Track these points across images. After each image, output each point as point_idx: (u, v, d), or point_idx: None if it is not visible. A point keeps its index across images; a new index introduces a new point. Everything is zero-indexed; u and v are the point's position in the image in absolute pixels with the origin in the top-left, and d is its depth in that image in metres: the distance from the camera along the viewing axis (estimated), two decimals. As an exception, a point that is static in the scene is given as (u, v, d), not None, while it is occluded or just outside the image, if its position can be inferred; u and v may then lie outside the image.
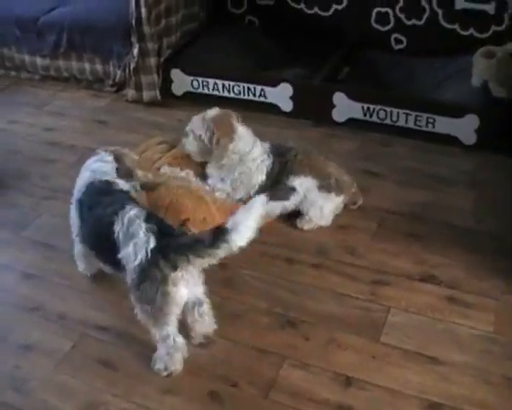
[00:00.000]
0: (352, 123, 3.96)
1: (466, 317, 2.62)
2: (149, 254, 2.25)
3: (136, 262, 2.28)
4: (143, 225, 2.33)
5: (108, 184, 2.66)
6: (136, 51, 4.27)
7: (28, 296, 2.87)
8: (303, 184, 3.08)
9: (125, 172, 2.80)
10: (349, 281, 2.84)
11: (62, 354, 2.58)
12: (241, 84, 4.20)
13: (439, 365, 2.43)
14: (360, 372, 2.41)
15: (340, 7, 4.55)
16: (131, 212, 2.40)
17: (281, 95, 4.11)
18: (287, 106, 4.12)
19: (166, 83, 4.45)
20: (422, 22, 4.32)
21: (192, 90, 4.40)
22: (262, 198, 2.22)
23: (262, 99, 4.18)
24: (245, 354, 2.53)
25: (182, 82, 4.41)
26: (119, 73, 4.53)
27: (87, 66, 4.67)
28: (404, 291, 2.76)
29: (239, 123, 3.14)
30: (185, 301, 2.40)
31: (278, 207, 3.13)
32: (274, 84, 4.11)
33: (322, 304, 2.73)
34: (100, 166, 2.75)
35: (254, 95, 4.19)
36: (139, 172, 2.87)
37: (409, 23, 4.37)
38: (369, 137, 3.89)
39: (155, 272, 2.25)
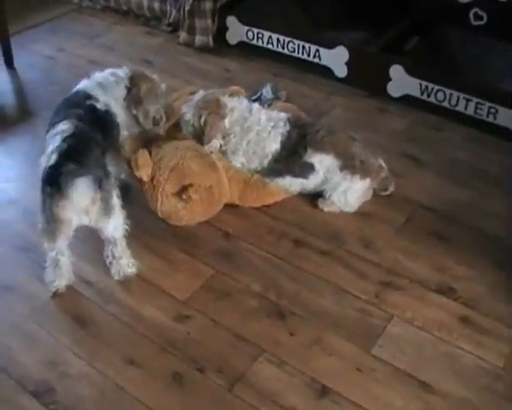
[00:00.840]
0: (406, 100, 3.60)
1: (476, 344, 2.29)
2: (47, 170, 2.25)
3: (40, 171, 2.31)
4: (57, 142, 2.31)
5: (88, 97, 2.61)
6: (192, -7, 4.05)
7: (24, 235, 2.77)
8: (323, 163, 2.80)
9: (133, 97, 2.75)
10: (356, 277, 2.56)
11: (40, 301, 2.48)
12: (297, 42, 3.90)
13: (430, 393, 2.13)
14: (339, 384, 2.15)
15: (418, -31, 4.10)
16: (61, 126, 2.39)
17: (336, 58, 3.79)
18: (341, 71, 3.80)
19: (221, 30, 4.21)
20: (508, -1, 3.84)
21: (246, 40, 4.14)
22: None
23: (316, 60, 3.88)
24: (222, 337, 2.32)
25: (237, 31, 4.16)
26: (174, 12, 4.31)
27: (145, 1, 4.47)
28: (414, 300, 2.46)
29: (228, 97, 2.92)
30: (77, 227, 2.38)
31: (297, 183, 2.87)
32: (330, 46, 3.79)
33: (320, 298, 2.47)
34: (102, 77, 2.75)
35: (309, 55, 3.89)
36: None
37: (493, -2, 3.90)
38: (423, 118, 3.52)
39: (47, 188, 2.25)
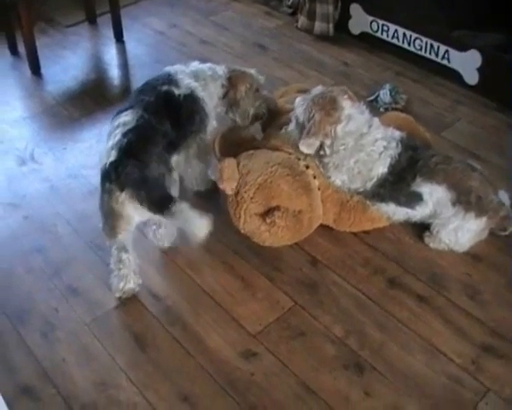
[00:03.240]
0: (544, 119, 3.13)
1: None
2: (107, 166, 2.17)
3: (100, 166, 2.23)
4: (117, 137, 2.22)
5: (168, 82, 2.47)
6: (314, -25, 3.72)
7: (100, 232, 2.46)
8: (433, 194, 2.43)
9: (230, 100, 2.68)
10: (453, 334, 2.20)
11: (103, 310, 2.34)
12: (425, 39, 3.50)
13: None
14: None
15: None
16: (123, 117, 2.30)
17: (467, 63, 3.36)
18: (471, 78, 3.37)
19: (343, 18, 3.87)
20: None
21: (370, 31, 3.78)
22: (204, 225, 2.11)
23: (444, 62, 3.46)
24: (288, 385, 2.06)
25: (360, 20, 3.80)
26: (294, -7, 4.02)
27: (266, -21, 4.20)
28: (518, 373, 2.08)
29: (349, 100, 2.52)
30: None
31: (401, 212, 2.52)
32: (462, 48, 3.36)
33: (407, 355, 2.14)
34: (199, 67, 2.63)
35: (437, 55, 3.47)
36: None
37: None
38: (560, 143, 3.05)
39: (106, 184, 2.18)
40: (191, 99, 2.49)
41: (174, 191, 2.33)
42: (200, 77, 2.59)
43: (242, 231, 2.47)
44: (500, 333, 2.20)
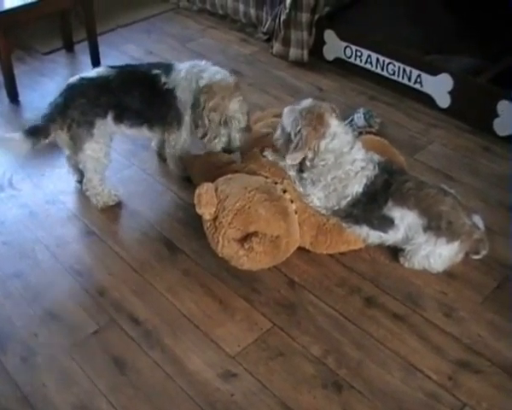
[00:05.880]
0: (514, 141, 3.20)
1: None
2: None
3: None
4: (74, 80, 2.73)
5: (163, 70, 2.78)
6: (288, 2, 3.78)
7: (79, 257, 2.67)
8: (404, 219, 2.46)
9: (196, 115, 2.75)
10: (430, 352, 2.24)
11: (82, 335, 2.33)
12: (397, 64, 3.57)
13: None
14: None
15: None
16: (96, 69, 2.83)
17: (439, 86, 3.43)
18: (443, 101, 3.44)
19: (318, 44, 3.93)
20: None
21: (344, 57, 3.85)
22: None
23: (417, 86, 3.53)
24: (267, 406, 2.07)
25: (334, 46, 3.87)
26: (269, 21, 4.07)
27: (241, 7, 4.27)
28: (493, 389, 2.11)
29: (335, 118, 2.55)
30: None
31: (374, 236, 2.55)
32: (433, 72, 3.43)
33: (385, 373, 2.17)
34: (190, 72, 2.79)
35: (409, 79, 3.55)
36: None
37: None
38: (531, 164, 3.12)
39: None
40: (169, 93, 2.75)
41: (80, 143, 2.71)
42: (187, 81, 2.75)
43: (220, 255, 2.48)
44: (476, 349, 2.24)
